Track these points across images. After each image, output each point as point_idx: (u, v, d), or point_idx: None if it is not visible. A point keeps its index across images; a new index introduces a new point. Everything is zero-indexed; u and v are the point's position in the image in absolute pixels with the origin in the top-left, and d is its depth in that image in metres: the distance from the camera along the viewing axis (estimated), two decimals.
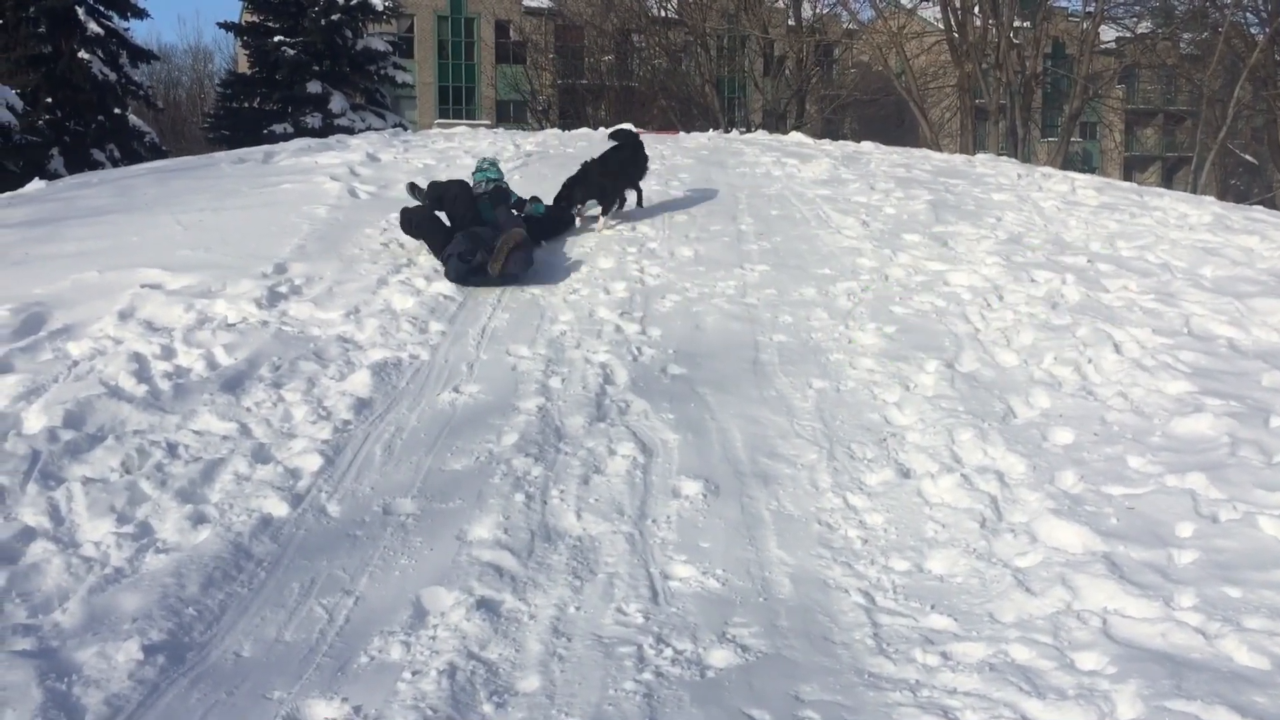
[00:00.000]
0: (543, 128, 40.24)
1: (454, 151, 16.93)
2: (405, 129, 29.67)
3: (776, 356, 8.85)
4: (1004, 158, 20.23)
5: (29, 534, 5.71)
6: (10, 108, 27.76)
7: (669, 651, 4.93)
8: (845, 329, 9.44)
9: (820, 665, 4.87)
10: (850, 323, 9.58)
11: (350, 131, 28.54)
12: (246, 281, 9.71)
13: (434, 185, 11.52)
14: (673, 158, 17.18)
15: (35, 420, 6.91)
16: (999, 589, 5.47)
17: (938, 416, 7.52)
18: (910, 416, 7.63)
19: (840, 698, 4.59)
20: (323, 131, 34.21)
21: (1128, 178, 48.54)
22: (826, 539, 6.08)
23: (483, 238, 10.31)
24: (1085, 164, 59.42)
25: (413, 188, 11.84)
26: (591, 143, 19.18)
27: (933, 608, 5.36)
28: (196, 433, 7.03)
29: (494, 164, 11.91)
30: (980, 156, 19.08)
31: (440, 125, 47.61)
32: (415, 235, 10.89)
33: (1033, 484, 6.50)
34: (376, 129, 28.86)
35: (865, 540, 6.06)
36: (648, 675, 4.73)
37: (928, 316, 9.72)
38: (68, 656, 4.75)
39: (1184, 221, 13.36)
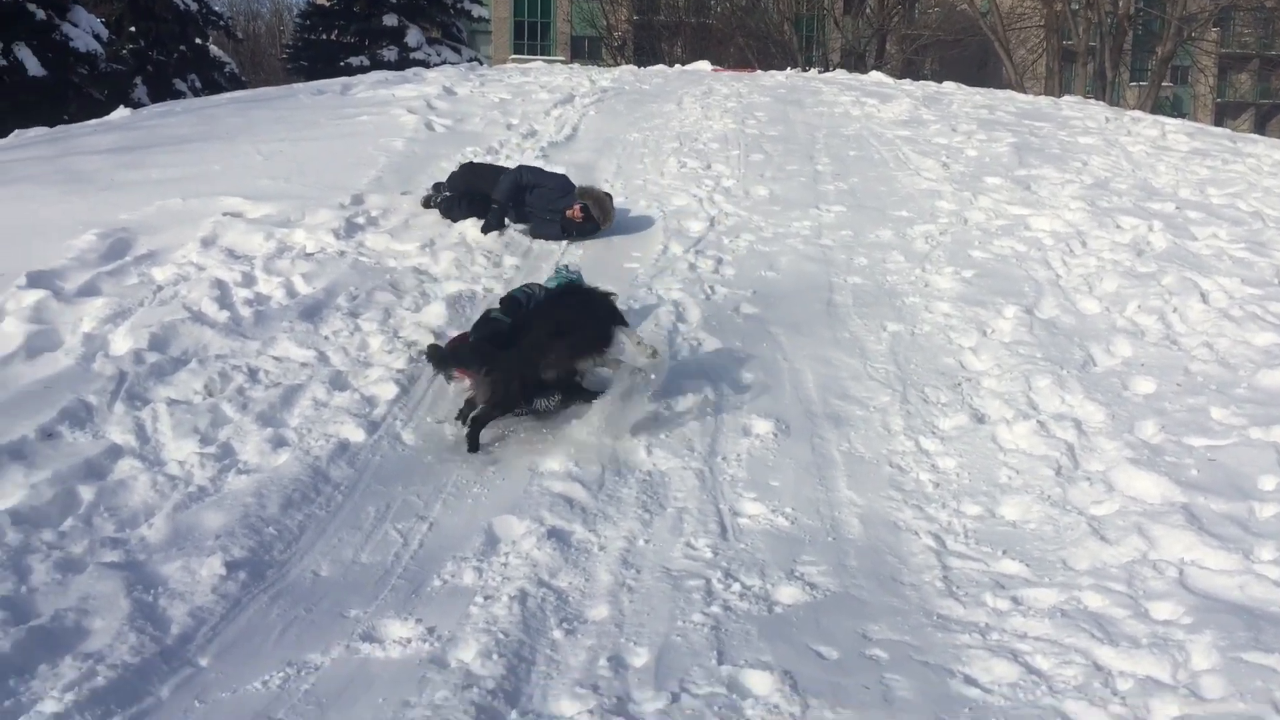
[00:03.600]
0: (618, 64, 39.90)
1: (529, 86, 16.89)
2: (481, 64, 29.62)
3: (851, 298, 8.76)
4: (1092, 101, 19.66)
5: (116, 452, 5.88)
6: (96, 36, 28.19)
7: (737, 586, 4.95)
8: (922, 272, 9.30)
9: (888, 605, 4.86)
10: (927, 266, 9.44)
11: (426, 65, 28.56)
12: (324, 212, 9.82)
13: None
14: (749, 96, 16.98)
15: (122, 342, 7.08)
16: (1073, 536, 5.41)
17: (1015, 362, 7.41)
18: (986, 362, 7.52)
19: (908, 638, 4.59)
20: (398, 65, 34.29)
21: (1219, 124, 46.94)
22: (897, 481, 6.04)
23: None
24: (1175, 109, 57.54)
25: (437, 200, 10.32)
26: (667, 79, 19.03)
27: (1004, 553, 5.31)
28: (276, 359, 7.16)
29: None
30: (1067, 99, 18.58)
31: (515, 61, 47.41)
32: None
33: (1111, 433, 6.39)
34: (452, 63, 28.85)
35: (937, 484, 6.01)
36: (715, 609, 4.77)
37: (1007, 261, 9.55)
38: (154, 570, 4.91)
39: (1278, 169, 12.91)
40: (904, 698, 4.16)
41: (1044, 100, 18.38)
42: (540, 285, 7.83)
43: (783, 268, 9.40)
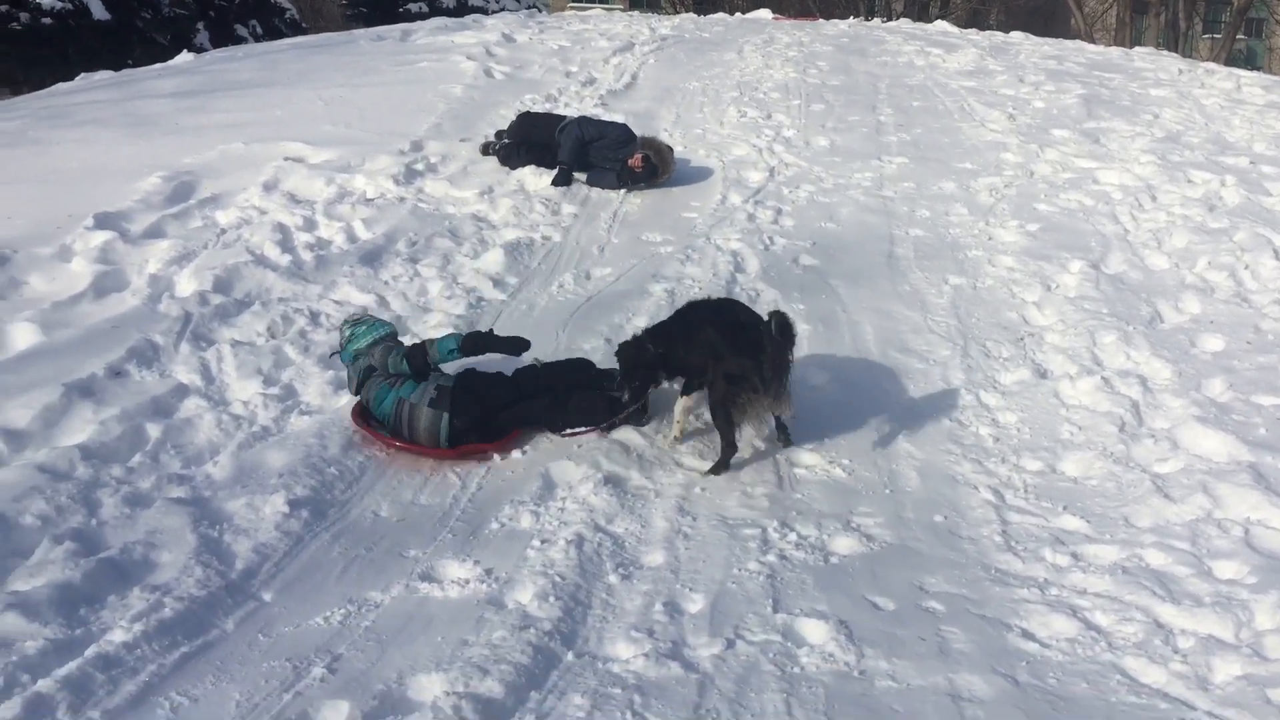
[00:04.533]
0: (678, 12, 39.44)
1: (588, 34, 16.76)
2: (540, 11, 29.44)
3: (912, 251, 8.64)
4: (1164, 53, 19.11)
5: (182, 391, 5.98)
6: None
7: (793, 536, 4.95)
8: (985, 225, 9.15)
9: (945, 558, 4.83)
10: (991, 219, 9.28)
11: (484, 12, 28.44)
12: (384, 158, 9.85)
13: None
14: (811, 45, 16.72)
15: (187, 284, 7.18)
16: (1136, 494, 5.32)
17: (1080, 318, 7.28)
18: (1050, 317, 7.39)
19: (965, 591, 4.56)
20: (457, 11, 34.19)
21: None
22: (957, 435, 5.98)
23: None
24: (1249, 62, 55.77)
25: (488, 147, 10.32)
26: (727, 28, 18.79)
27: (1065, 509, 5.25)
28: (337, 303, 7.22)
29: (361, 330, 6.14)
30: (1139, 50, 18.08)
31: (574, 8, 47.04)
32: None
33: (1177, 390, 6.26)
34: (510, 10, 28.68)
35: (997, 438, 5.94)
36: (771, 557, 4.76)
37: (1074, 215, 9.35)
38: (219, 506, 5.00)
39: None
40: (960, 650, 4.14)
41: (1115, 51, 17.89)
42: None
43: (843, 219, 9.29)
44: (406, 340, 6.35)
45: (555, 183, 9.71)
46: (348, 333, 6.02)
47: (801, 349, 6.87)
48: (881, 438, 5.93)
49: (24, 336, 6.32)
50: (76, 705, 3.72)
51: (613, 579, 4.61)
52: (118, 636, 4.02)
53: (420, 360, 5.86)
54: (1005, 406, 6.28)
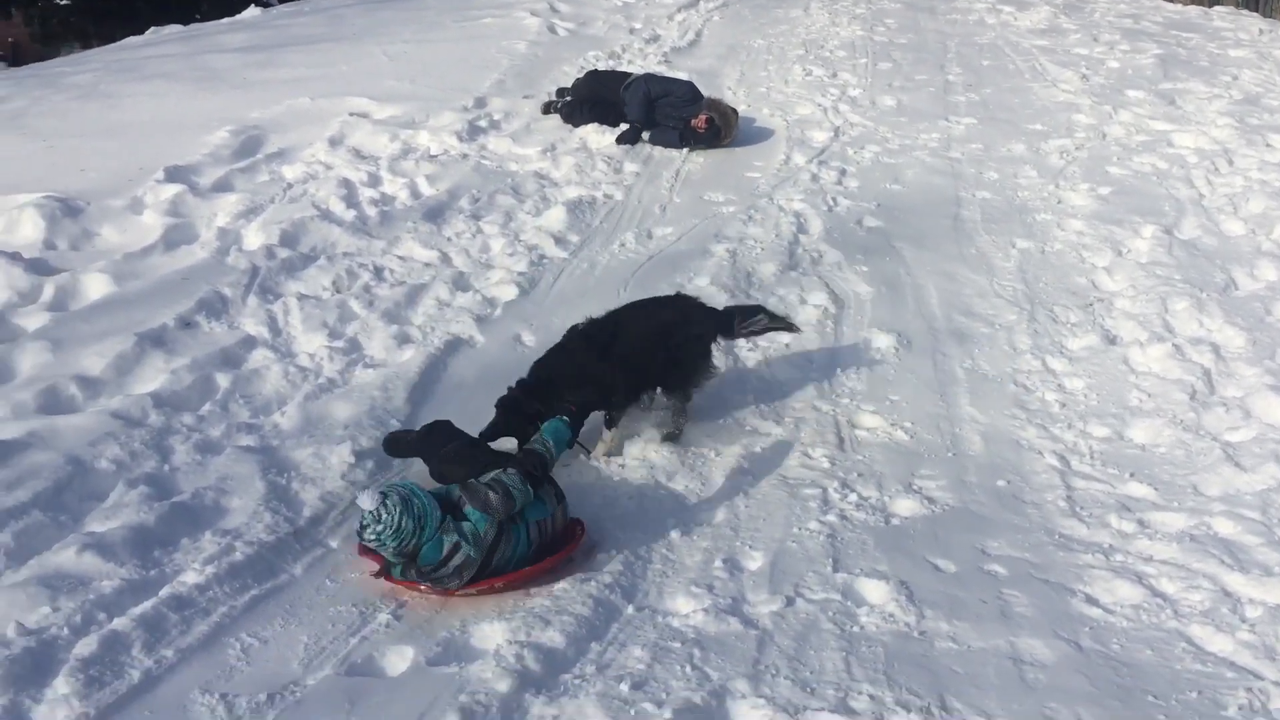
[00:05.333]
0: None
1: None
2: None
3: (979, 214, 8.51)
4: (1245, 12, 18.53)
5: (250, 342, 6.08)
6: None
7: (854, 497, 4.93)
8: (1055, 188, 8.98)
9: (1009, 523, 4.79)
10: (1061, 182, 9.11)
11: None
12: (448, 114, 9.88)
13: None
14: (878, 2, 16.44)
15: (254, 238, 7.28)
16: (1205, 462, 5.23)
17: (1151, 284, 7.13)
18: (1121, 282, 7.25)
19: (1028, 555, 4.52)
20: None
21: None
22: (1022, 400, 5.91)
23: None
24: None
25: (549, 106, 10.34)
26: None
27: (1132, 475, 5.17)
28: (401, 258, 7.28)
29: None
30: (1218, 10, 17.54)
31: None
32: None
33: (1251, 358, 6.12)
34: None
35: (1063, 404, 5.86)
36: (832, 517, 4.75)
37: (1147, 179, 9.14)
38: (286, 455, 5.08)
39: None
40: (1022, 613, 4.11)
41: (1193, 10, 17.37)
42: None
43: (908, 181, 9.17)
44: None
45: (621, 140, 9.67)
46: (408, 540, 4.10)
47: (864, 311, 6.86)
48: (945, 401, 5.88)
49: (97, 287, 6.45)
50: (151, 644, 3.83)
51: (673, 535, 4.63)
52: (190, 578, 4.11)
53: (545, 472, 4.61)
54: (1072, 372, 6.19)
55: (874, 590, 4.24)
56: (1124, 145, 9.96)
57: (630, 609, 4.09)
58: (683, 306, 5.65)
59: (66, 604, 3.89)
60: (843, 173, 9.25)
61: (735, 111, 9.97)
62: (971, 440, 5.51)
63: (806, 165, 9.39)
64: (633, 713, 3.49)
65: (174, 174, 8.02)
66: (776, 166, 9.42)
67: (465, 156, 9.10)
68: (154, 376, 5.58)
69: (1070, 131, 10.36)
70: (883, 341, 6.47)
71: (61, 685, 3.54)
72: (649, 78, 10.08)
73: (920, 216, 8.42)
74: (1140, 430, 5.59)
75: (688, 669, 3.72)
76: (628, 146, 9.64)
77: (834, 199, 8.67)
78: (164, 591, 4.03)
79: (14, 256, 6.52)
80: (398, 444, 4.95)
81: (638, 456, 5.22)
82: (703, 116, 9.64)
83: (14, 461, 4.68)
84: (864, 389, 5.97)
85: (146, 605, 3.94)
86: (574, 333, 5.45)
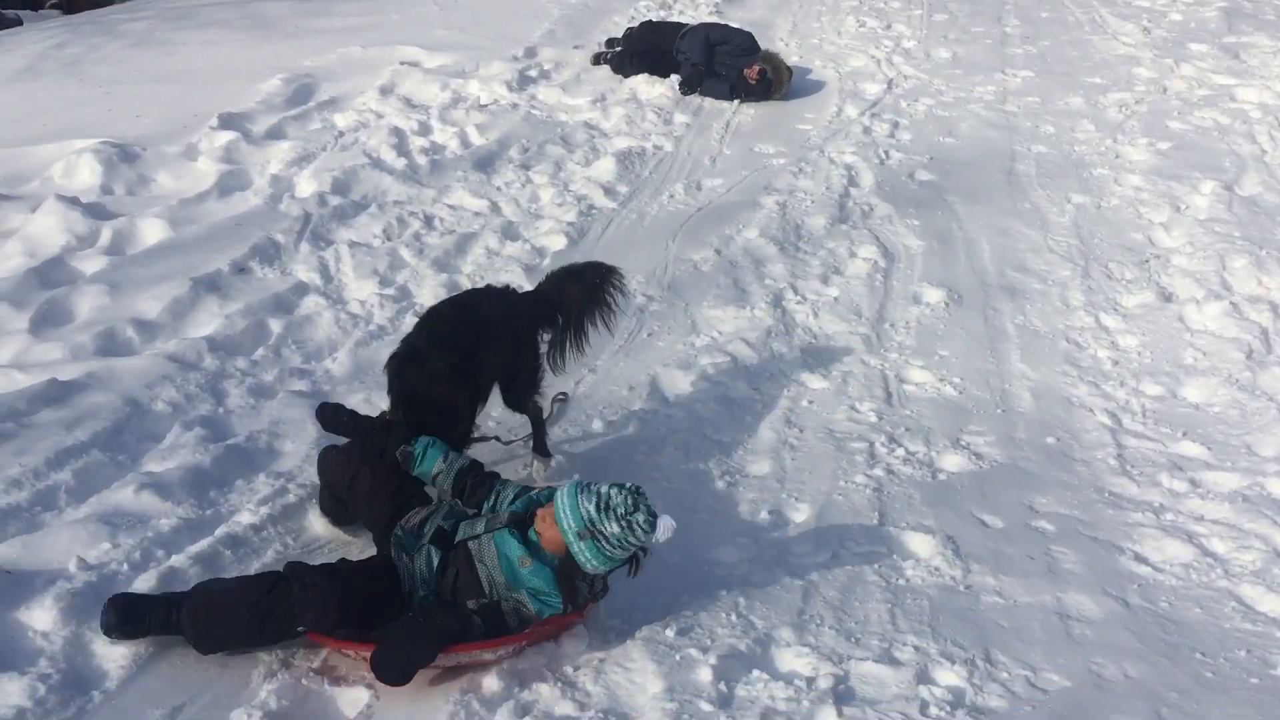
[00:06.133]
0: None
1: None
2: None
3: (1034, 168, 8.38)
4: None
5: (302, 289, 6.14)
6: None
7: (901, 451, 4.92)
8: (1113, 143, 8.82)
9: (1057, 479, 4.76)
10: (1119, 136, 8.94)
11: None
12: (498, 63, 9.86)
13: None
14: None
15: (306, 185, 7.33)
16: (1261, 422, 5.16)
17: (1209, 241, 7.00)
18: (1178, 239, 7.13)
19: (1077, 512, 4.49)
20: None
21: None
22: (1074, 357, 5.84)
23: None
24: None
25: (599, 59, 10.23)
26: None
27: (1184, 434, 5.12)
28: (451, 207, 7.30)
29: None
30: None
31: None
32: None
33: None
34: None
35: (1116, 362, 5.79)
36: (878, 471, 4.75)
37: (1208, 134, 8.95)
38: (338, 400, 5.12)
39: None
40: (1069, 570, 4.10)
41: None
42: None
43: (963, 134, 9.04)
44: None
45: (685, 83, 9.59)
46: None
47: (915, 265, 6.79)
48: (995, 357, 5.83)
49: (153, 232, 6.53)
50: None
51: (719, 485, 4.65)
52: (245, 518, 4.19)
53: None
54: (1126, 329, 6.11)
55: (920, 544, 4.24)
56: (1185, 99, 9.74)
57: (676, 557, 4.11)
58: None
59: (126, 541, 3.98)
60: (895, 125, 9.14)
61: (790, 70, 9.80)
62: (1021, 397, 5.47)
63: (859, 118, 9.29)
64: (678, 658, 3.52)
65: (228, 121, 8.08)
66: (828, 119, 9.32)
67: (515, 106, 9.09)
68: (209, 321, 5.66)
69: (1130, 85, 10.15)
70: (933, 296, 6.42)
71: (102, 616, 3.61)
72: (709, 25, 10.05)
73: (974, 170, 8.30)
74: (1194, 389, 5.52)
75: (733, 617, 3.75)
76: (681, 96, 9.56)
77: (886, 152, 8.57)
78: (219, 531, 4.10)
79: (72, 201, 6.62)
80: (330, 417, 4.10)
81: (684, 406, 5.23)
82: (756, 68, 9.53)
83: (74, 402, 4.77)
84: (913, 344, 5.93)
85: (203, 543, 4.01)
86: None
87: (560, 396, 4.99)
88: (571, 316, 4.71)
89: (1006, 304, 6.40)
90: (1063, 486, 4.70)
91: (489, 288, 4.91)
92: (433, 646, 3.33)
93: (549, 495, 3.63)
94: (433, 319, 4.52)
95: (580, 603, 3.55)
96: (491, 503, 3.75)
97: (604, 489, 3.47)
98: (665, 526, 3.47)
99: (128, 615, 3.44)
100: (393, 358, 4.36)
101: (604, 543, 3.44)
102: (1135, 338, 6.03)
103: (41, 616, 3.55)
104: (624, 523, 3.43)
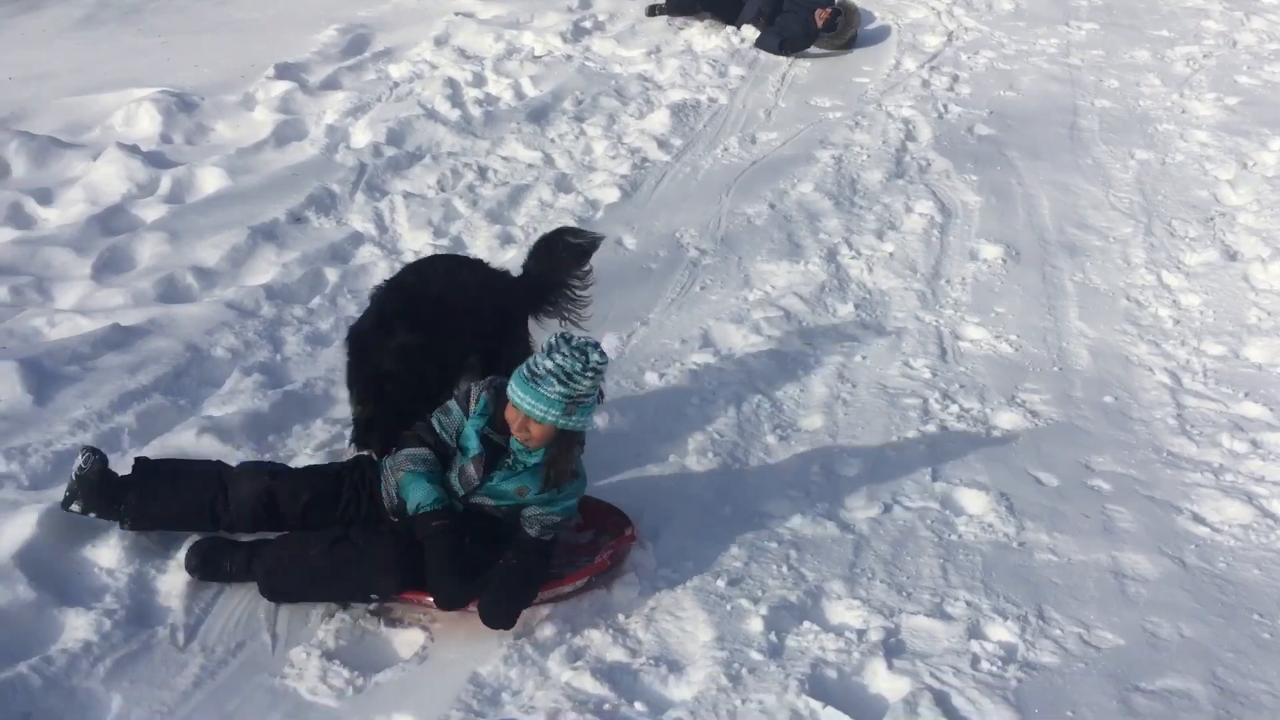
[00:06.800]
0: None
1: None
2: None
3: (1097, 123, 8.22)
4: None
5: (358, 238, 6.18)
6: None
7: (954, 408, 4.88)
8: (1179, 97, 8.61)
9: (1115, 439, 4.70)
10: (1186, 91, 8.73)
11: None
12: (552, 15, 9.81)
13: None
14: None
15: (361, 135, 7.36)
16: None
17: (1277, 198, 6.85)
18: (1245, 196, 6.97)
19: (1134, 472, 4.44)
20: None
21: None
22: (1134, 315, 5.75)
23: None
24: None
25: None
26: None
27: (1246, 395, 5.02)
28: (504, 159, 7.30)
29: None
30: None
31: None
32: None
33: None
34: None
35: (1177, 320, 5.69)
36: (931, 427, 4.72)
37: (1278, 89, 8.71)
38: None
39: None
40: (1125, 529, 4.06)
41: None
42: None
43: (1024, 88, 8.87)
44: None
45: (764, 36, 9.49)
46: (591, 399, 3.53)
47: (972, 221, 6.70)
48: (1052, 315, 5.75)
49: (212, 180, 6.61)
50: None
51: (770, 439, 4.64)
52: (303, 462, 4.25)
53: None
54: (1188, 288, 6.00)
55: (973, 500, 4.21)
56: (1255, 54, 9.50)
57: (728, 509, 4.12)
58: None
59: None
60: (955, 79, 8.99)
61: (859, 16, 9.65)
62: (1079, 355, 5.39)
63: (917, 71, 9.15)
64: (728, 608, 3.54)
65: (284, 71, 8.13)
66: (886, 72, 9.19)
67: (569, 58, 9.05)
68: (266, 269, 5.73)
69: (1198, 38, 9.90)
70: (990, 252, 6.34)
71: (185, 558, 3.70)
72: None
73: (1035, 125, 8.16)
74: (1257, 349, 5.42)
75: (784, 569, 3.75)
76: (748, 37, 9.47)
77: (945, 106, 8.44)
78: None
79: (133, 149, 6.71)
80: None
81: (736, 361, 5.21)
82: (827, 10, 9.40)
83: (136, 347, 4.86)
84: (968, 300, 5.86)
85: None
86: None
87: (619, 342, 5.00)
88: (554, 289, 4.44)
89: (1066, 261, 6.30)
90: (1120, 445, 4.64)
91: (452, 255, 4.67)
92: (533, 589, 3.46)
93: (484, 402, 3.54)
94: (392, 290, 4.13)
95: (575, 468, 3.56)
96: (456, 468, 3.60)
97: (545, 364, 3.37)
98: (610, 346, 3.40)
99: (209, 558, 3.53)
100: (352, 335, 4.04)
101: (584, 400, 3.43)
102: (1198, 296, 5.92)
103: (107, 554, 3.64)
104: (588, 374, 3.39)
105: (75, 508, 3.60)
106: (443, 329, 3.92)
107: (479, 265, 4.45)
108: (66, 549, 3.63)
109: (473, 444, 3.56)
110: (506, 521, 3.61)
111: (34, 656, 3.20)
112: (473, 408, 3.58)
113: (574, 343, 3.43)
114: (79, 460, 3.60)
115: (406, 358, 3.81)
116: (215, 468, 3.77)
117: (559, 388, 3.36)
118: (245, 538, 3.67)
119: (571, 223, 6.46)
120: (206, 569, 3.53)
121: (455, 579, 3.39)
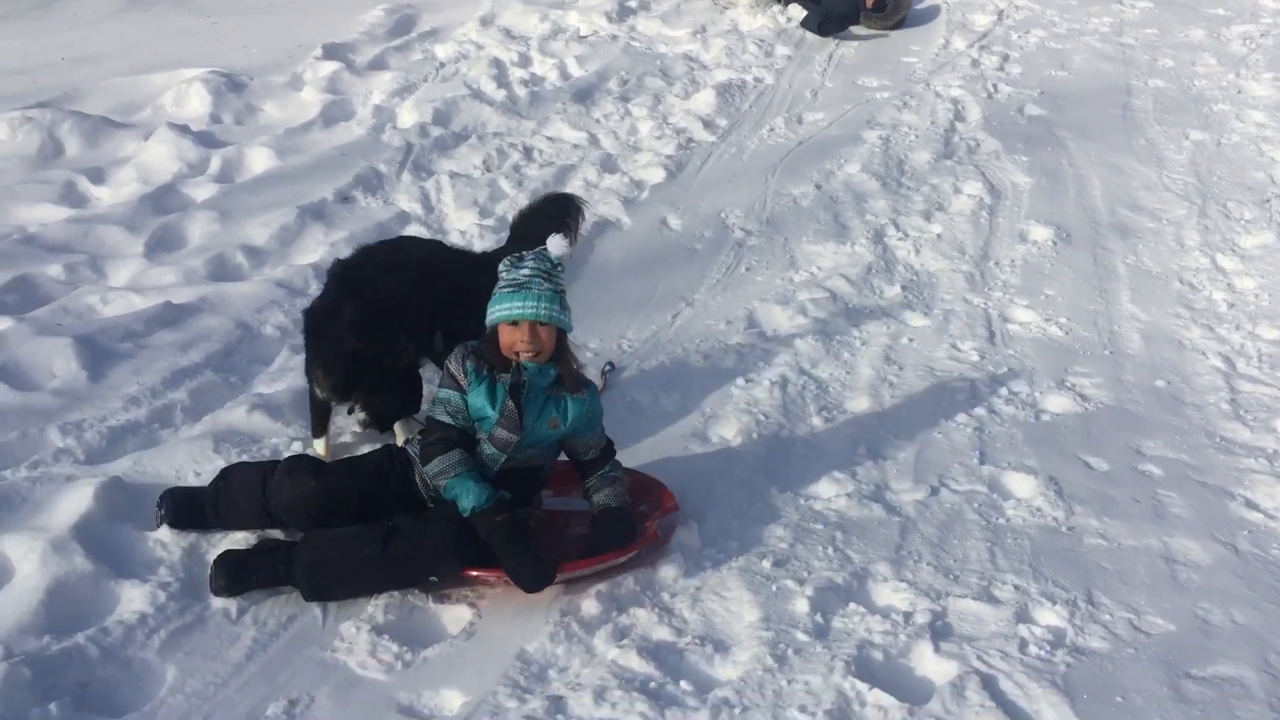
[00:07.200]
0: None
1: None
2: None
3: (1151, 103, 8.08)
4: None
5: (404, 218, 6.22)
6: None
7: (1004, 391, 4.83)
8: (1236, 77, 8.45)
9: (1166, 423, 4.63)
10: (1243, 70, 8.56)
11: None
12: None
13: None
14: None
15: (408, 116, 7.40)
16: None
17: None
18: None
19: (1186, 457, 4.37)
20: None
21: None
22: (1187, 299, 5.66)
23: None
24: None
25: None
26: None
27: None
28: (550, 139, 7.31)
29: None
30: None
31: None
32: None
33: None
34: None
35: (1231, 304, 5.60)
36: (980, 410, 4.67)
37: None
38: None
39: None
40: (1177, 514, 4.00)
41: None
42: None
43: (1075, 67, 8.74)
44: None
45: (808, 16, 9.42)
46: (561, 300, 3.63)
47: (1022, 202, 6.62)
48: (1103, 298, 5.68)
49: (261, 160, 6.68)
50: None
51: (815, 421, 4.62)
52: (347, 440, 4.30)
53: None
54: (1244, 271, 5.90)
55: (1021, 484, 4.17)
56: None
57: (773, 490, 4.11)
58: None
59: (238, 459, 4.11)
60: (1005, 58, 8.88)
61: None
62: (1130, 338, 5.32)
63: (967, 50, 9.04)
64: (774, 588, 3.54)
65: (331, 51, 8.18)
66: (935, 51, 9.09)
67: (614, 38, 9.03)
68: (314, 248, 5.78)
69: (1255, 17, 9.70)
70: (1040, 234, 6.26)
71: (237, 534, 3.75)
72: None
73: (1087, 105, 8.05)
74: None
75: (829, 550, 3.74)
76: (786, 21, 9.41)
77: (994, 85, 8.34)
78: None
79: (183, 129, 6.79)
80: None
81: (782, 342, 5.19)
82: None
83: (188, 324, 4.93)
84: (1018, 282, 5.80)
85: None
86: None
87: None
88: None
89: (1117, 243, 6.21)
90: (1172, 430, 4.58)
91: (411, 236, 4.89)
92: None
93: (471, 368, 3.57)
94: (344, 269, 4.16)
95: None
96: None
97: (522, 272, 3.51)
98: (555, 246, 3.58)
99: (235, 573, 3.51)
100: (308, 311, 4.10)
101: (564, 295, 3.58)
102: (1253, 279, 5.81)
103: (162, 528, 3.70)
104: (559, 268, 3.55)
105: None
106: (393, 302, 3.96)
107: (435, 244, 4.63)
108: (122, 523, 3.70)
109: (489, 408, 3.57)
110: (545, 466, 3.74)
111: (91, 627, 3.26)
112: (465, 380, 3.59)
113: (528, 253, 3.57)
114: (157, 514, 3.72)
115: (360, 332, 3.87)
116: (259, 475, 3.72)
117: (547, 285, 3.51)
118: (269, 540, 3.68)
119: (617, 203, 6.46)
120: (235, 586, 3.49)
121: (534, 561, 3.46)
